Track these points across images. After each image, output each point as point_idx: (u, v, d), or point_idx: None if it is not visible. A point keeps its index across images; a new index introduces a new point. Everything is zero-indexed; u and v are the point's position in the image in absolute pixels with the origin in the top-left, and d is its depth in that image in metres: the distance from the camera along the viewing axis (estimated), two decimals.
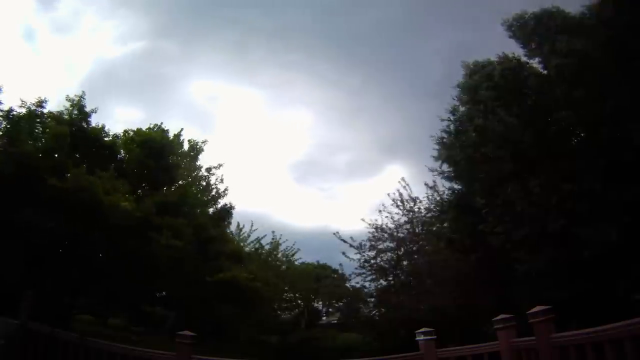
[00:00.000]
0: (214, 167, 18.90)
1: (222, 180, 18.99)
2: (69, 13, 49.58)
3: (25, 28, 51.93)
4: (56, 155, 10.17)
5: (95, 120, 11.62)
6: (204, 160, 19.20)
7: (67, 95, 11.50)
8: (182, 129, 16.96)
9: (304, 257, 24.13)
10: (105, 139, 11.79)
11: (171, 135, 15.65)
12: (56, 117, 10.97)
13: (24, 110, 10.49)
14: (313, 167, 56.91)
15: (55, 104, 11.52)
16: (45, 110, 10.88)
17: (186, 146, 18.37)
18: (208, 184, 18.75)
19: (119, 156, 12.38)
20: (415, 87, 55.55)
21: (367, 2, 47.48)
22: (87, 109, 11.51)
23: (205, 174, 18.76)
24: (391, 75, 56.68)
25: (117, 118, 46.81)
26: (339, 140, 55.15)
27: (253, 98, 57.26)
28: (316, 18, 51.67)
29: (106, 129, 11.91)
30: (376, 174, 52.70)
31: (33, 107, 10.63)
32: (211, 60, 53.70)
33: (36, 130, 10.75)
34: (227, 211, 17.39)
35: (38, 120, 10.79)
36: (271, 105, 60.09)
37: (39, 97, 10.71)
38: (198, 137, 19.34)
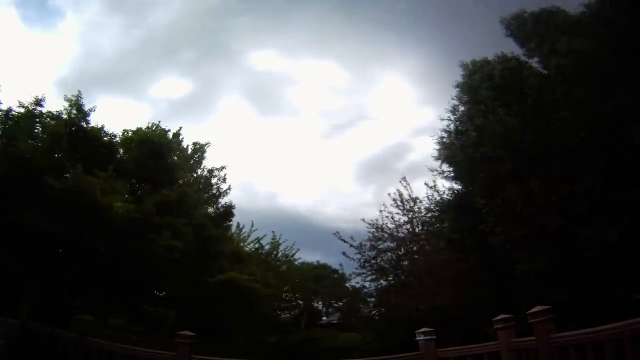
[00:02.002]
0: (216, 169, 18.99)
1: (224, 180, 19.08)
2: None
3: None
4: (55, 155, 10.15)
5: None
6: (209, 162, 19.31)
7: (66, 95, 11.47)
8: (180, 128, 16.96)
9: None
10: (104, 138, 11.76)
11: (171, 134, 15.67)
12: (55, 117, 10.96)
13: (22, 110, 10.47)
14: (377, 166, 53.33)
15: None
16: (43, 110, 10.87)
17: (187, 147, 18.38)
18: (209, 183, 18.79)
19: (117, 156, 12.34)
20: None
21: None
22: (86, 108, 11.49)
23: (207, 174, 18.81)
24: None
25: (164, 90, 47.32)
26: (411, 138, 52.64)
27: (332, 83, 55.52)
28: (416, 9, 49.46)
29: (105, 128, 11.89)
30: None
31: (31, 107, 10.62)
32: (288, 37, 52.49)
33: (35, 130, 10.73)
34: (228, 210, 17.39)
35: (37, 120, 10.77)
36: (349, 95, 57.74)
37: (37, 96, 10.70)
38: (202, 140, 19.35)
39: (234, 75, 55.79)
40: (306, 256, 26.91)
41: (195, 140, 18.84)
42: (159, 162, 12.45)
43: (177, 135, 16.72)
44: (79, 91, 11.41)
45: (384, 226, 15.58)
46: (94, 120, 11.74)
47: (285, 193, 52.83)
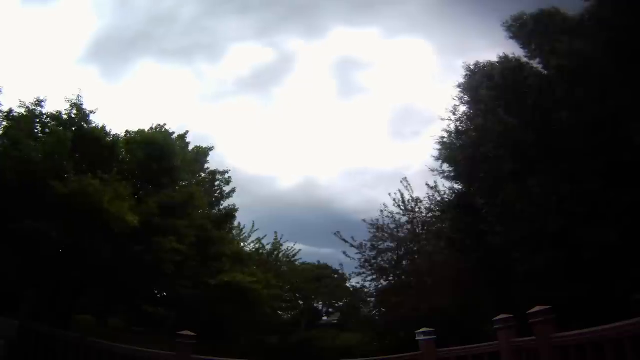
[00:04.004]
0: (219, 172, 18.98)
1: (228, 183, 19.07)
2: None
3: None
4: (56, 157, 10.15)
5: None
6: (212, 164, 19.25)
7: (66, 96, 11.50)
8: (187, 131, 16.90)
9: None
10: (106, 139, 11.75)
11: (175, 136, 15.66)
12: (55, 117, 10.98)
13: (23, 111, 10.50)
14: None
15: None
16: (44, 110, 10.90)
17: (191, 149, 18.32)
18: (212, 186, 18.79)
19: (120, 157, 12.33)
20: None
21: None
22: (87, 109, 11.50)
23: (210, 177, 18.80)
24: None
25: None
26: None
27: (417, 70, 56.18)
28: None
29: (107, 129, 11.89)
30: None
31: (32, 107, 10.66)
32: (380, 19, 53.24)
33: (35, 130, 10.74)
34: (230, 213, 17.39)
35: (37, 120, 10.79)
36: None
37: (38, 97, 10.76)
38: (204, 144, 19.16)
39: (316, 53, 57.55)
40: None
41: (198, 144, 18.77)
42: (162, 164, 12.43)
43: (182, 137, 16.68)
44: (79, 95, 11.46)
45: (384, 226, 15.61)
46: (98, 121, 11.80)
47: (346, 189, 53.06)
